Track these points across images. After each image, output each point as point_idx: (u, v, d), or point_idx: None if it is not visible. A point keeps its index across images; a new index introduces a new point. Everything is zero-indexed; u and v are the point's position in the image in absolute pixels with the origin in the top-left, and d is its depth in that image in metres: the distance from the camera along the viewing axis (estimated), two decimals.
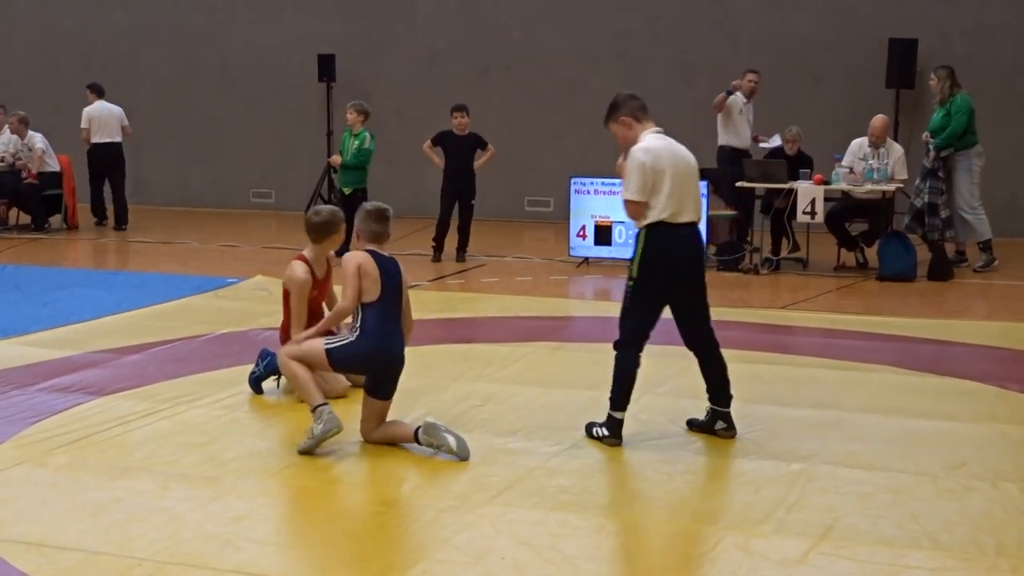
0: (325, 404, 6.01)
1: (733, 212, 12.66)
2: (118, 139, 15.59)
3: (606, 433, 6.17)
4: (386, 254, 6.15)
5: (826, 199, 11.72)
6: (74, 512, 5.18)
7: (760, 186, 12.19)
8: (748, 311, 9.93)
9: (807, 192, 11.65)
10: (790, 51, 15.14)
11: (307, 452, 5.92)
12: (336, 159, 12.94)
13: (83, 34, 18.38)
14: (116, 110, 15.58)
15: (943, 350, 8.45)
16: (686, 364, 7.99)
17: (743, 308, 10.07)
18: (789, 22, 15.18)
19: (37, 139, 15.17)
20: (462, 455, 5.86)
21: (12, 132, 15.15)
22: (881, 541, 4.89)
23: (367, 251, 6.09)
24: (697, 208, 6.23)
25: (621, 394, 6.21)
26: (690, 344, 6.39)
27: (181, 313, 9.67)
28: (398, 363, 6.07)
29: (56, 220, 15.32)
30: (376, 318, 5.99)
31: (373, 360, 6.04)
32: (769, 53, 15.20)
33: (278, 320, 9.24)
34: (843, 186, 11.80)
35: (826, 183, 11.79)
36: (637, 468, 5.84)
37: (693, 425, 6.43)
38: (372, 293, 5.98)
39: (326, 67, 16.64)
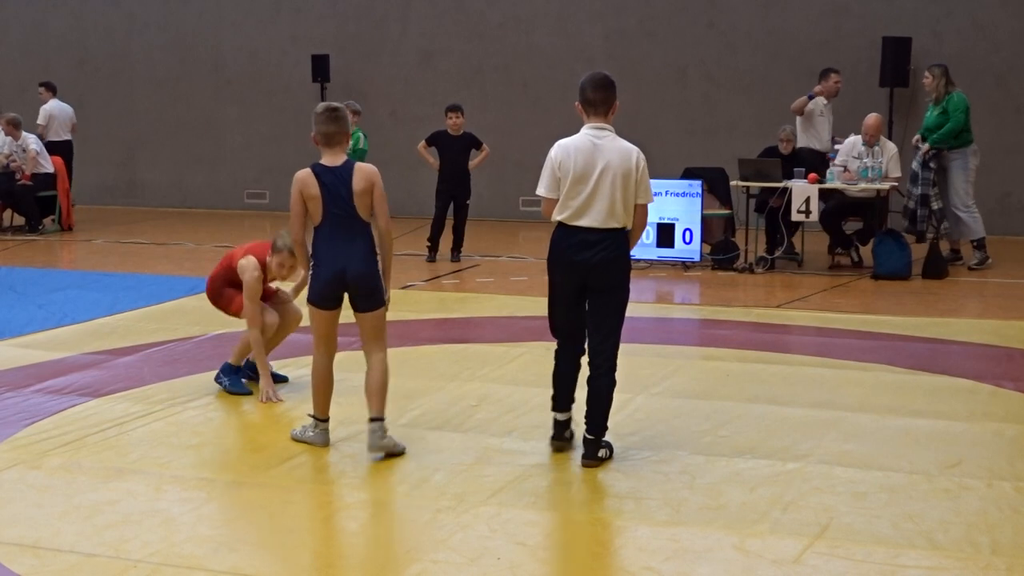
0: (325, 421, 6.08)
1: (728, 211, 12.66)
2: (69, 137, 16.09)
3: (551, 434, 6.08)
4: (337, 164, 5.82)
5: (821, 198, 11.75)
6: (68, 514, 5.17)
7: (755, 185, 12.19)
8: (742, 310, 9.96)
9: (802, 191, 11.66)
10: (784, 50, 15.16)
11: (295, 439, 6.11)
12: None
13: (75, 35, 18.37)
14: (68, 108, 16.11)
15: (938, 348, 8.45)
16: (680, 364, 8.05)
17: (738, 307, 10.09)
18: (783, 21, 15.20)
19: (31, 141, 15.15)
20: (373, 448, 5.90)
21: (5, 134, 15.13)
22: (876, 540, 4.89)
23: (311, 168, 5.83)
24: (609, 215, 5.75)
25: (555, 394, 6.07)
26: (590, 352, 5.96)
27: (175, 315, 9.66)
28: (358, 280, 5.83)
29: (50, 222, 15.30)
30: (324, 241, 5.83)
31: (335, 286, 5.85)
32: (763, 52, 15.24)
33: None
34: (838, 184, 11.80)
35: (821, 181, 11.80)
36: (633, 468, 5.83)
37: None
38: (317, 215, 5.81)
39: (320, 68, 16.66)
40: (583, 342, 5.99)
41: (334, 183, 5.77)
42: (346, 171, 5.80)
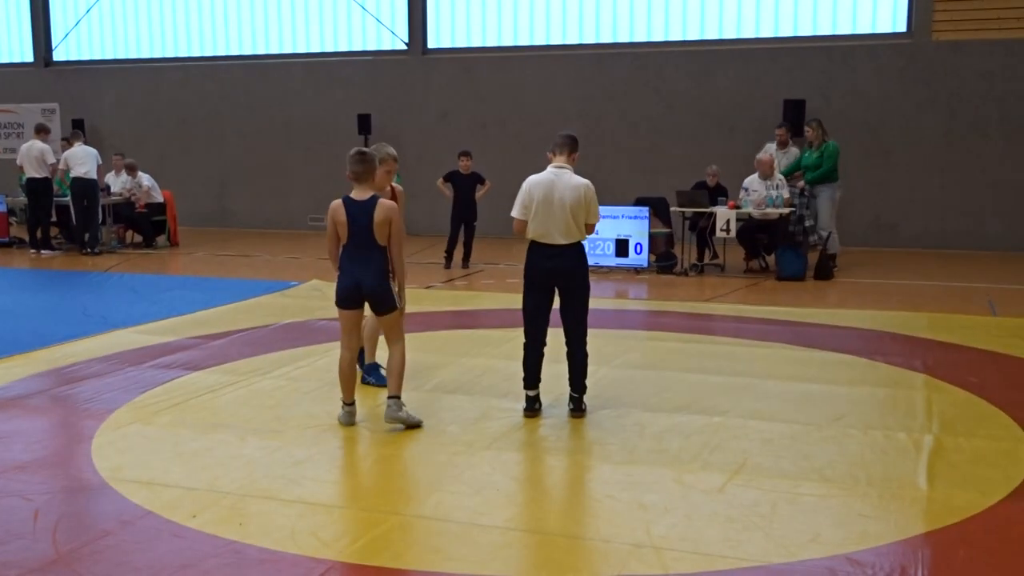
0: (351, 404, 5.78)
1: (668, 230, 12.65)
2: (92, 176, 13.90)
3: (524, 406, 5.96)
4: (364, 197, 5.52)
5: (737, 219, 11.74)
6: (175, 459, 5.16)
7: (689, 210, 12.19)
8: (680, 303, 9.95)
9: (723, 214, 11.66)
10: (711, 109, 15.15)
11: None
12: None
13: (180, 100, 18.34)
14: (91, 151, 13.97)
15: (826, 331, 8.44)
16: (633, 344, 8.03)
17: (676, 301, 10.08)
18: (709, 88, 15.18)
19: (145, 179, 15.11)
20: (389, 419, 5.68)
21: (127, 174, 15.09)
22: (781, 475, 4.88)
23: (342, 199, 5.57)
24: (566, 233, 5.72)
25: (525, 375, 5.94)
26: (565, 333, 5.91)
27: (256, 309, 9.63)
28: (370, 292, 5.57)
29: (161, 240, 15.27)
30: (346, 258, 5.62)
31: (351, 293, 5.63)
32: (694, 111, 15.23)
33: (330, 313, 9.27)
34: (750, 210, 11.80)
35: (737, 207, 11.79)
36: (598, 421, 5.81)
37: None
38: (343, 237, 5.60)
39: (364, 124, 16.63)
40: (544, 335, 5.93)
41: (358, 214, 5.53)
42: (370, 205, 5.50)
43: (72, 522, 4.34)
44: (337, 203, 5.60)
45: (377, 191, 5.69)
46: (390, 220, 5.55)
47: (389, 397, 5.70)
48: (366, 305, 5.73)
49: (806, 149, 12.14)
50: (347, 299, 5.68)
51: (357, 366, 5.93)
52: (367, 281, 5.57)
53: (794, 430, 5.61)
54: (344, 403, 5.80)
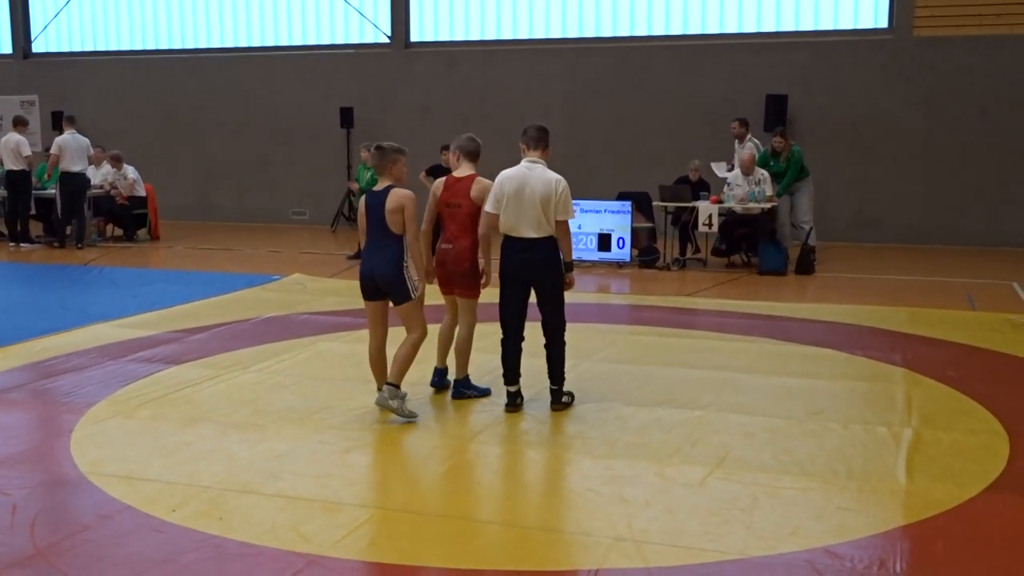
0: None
1: (651, 224, 12.67)
2: (83, 168, 13.90)
3: (505, 401, 5.95)
4: (379, 189, 5.65)
5: (720, 214, 11.78)
6: (155, 452, 5.13)
7: (671, 204, 12.21)
8: (661, 298, 9.96)
9: (705, 209, 11.68)
10: (693, 104, 15.16)
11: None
12: (354, 185, 13.03)
13: (162, 93, 18.21)
14: (83, 140, 13.84)
15: (806, 326, 8.48)
16: (615, 338, 8.04)
17: (657, 296, 10.10)
18: (693, 83, 15.19)
19: (130, 171, 15.01)
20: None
21: (111, 166, 14.99)
22: (761, 468, 4.89)
23: (365, 193, 5.78)
24: (537, 227, 5.69)
25: (505, 371, 5.93)
26: (542, 327, 5.91)
27: (236, 302, 9.59)
28: (382, 280, 5.62)
29: (142, 233, 15.18)
30: (366, 248, 5.76)
31: (366, 282, 5.72)
32: (680, 106, 15.24)
33: (312, 307, 9.26)
34: (732, 204, 11.83)
35: (720, 202, 11.81)
36: (579, 415, 5.82)
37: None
38: (366, 228, 5.73)
39: (347, 117, 16.58)
40: (522, 329, 5.91)
41: (374, 204, 5.65)
42: (383, 195, 5.60)
43: (51, 517, 4.31)
44: (364, 196, 5.79)
45: (395, 182, 5.74)
46: (402, 207, 5.58)
47: (387, 383, 5.70)
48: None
49: (772, 158, 12.14)
50: (365, 289, 5.76)
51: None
52: (379, 270, 5.63)
53: (774, 424, 5.62)
54: (378, 389, 5.82)
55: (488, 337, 7.63)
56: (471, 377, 6.24)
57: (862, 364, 7.11)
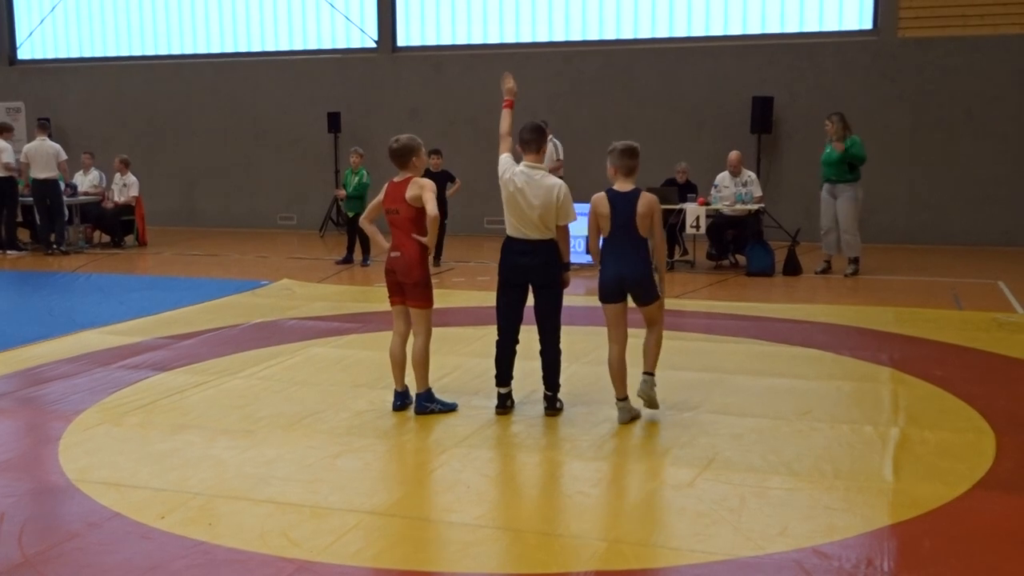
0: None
1: None
2: (53, 174, 13.85)
3: (496, 403, 5.95)
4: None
5: (707, 216, 11.81)
6: (143, 459, 5.12)
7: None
8: None
9: (693, 211, 11.71)
10: (680, 106, 15.21)
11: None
12: (341, 192, 13.04)
13: (146, 98, 18.17)
14: (52, 146, 13.82)
15: (794, 327, 8.51)
16: (604, 341, 7.99)
17: None
18: (678, 85, 15.24)
19: (132, 179, 15.01)
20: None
21: (118, 171, 14.93)
22: (749, 469, 4.91)
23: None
24: (534, 229, 5.70)
25: (497, 373, 5.95)
26: (538, 330, 5.90)
27: (225, 308, 9.57)
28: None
29: (129, 239, 15.14)
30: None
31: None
32: (665, 108, 15.28)
33: (300, 312, 9.25)
34: (720, 206, 11.86)
35: (707, 204, 11.84)
36: (568, 418, 5.83)
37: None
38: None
39: (333, 121, 16.55)
40: (517, 332, 5.92)
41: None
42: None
43: (39, 525, 4.29)
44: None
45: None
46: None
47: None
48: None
49: (827, 146, 11.33)
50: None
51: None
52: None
53: (763, 425, 5.65)
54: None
55: (474, 341, 7.63)
56: (433, 390, 5.98)
57: (849, 364, 7.14)
